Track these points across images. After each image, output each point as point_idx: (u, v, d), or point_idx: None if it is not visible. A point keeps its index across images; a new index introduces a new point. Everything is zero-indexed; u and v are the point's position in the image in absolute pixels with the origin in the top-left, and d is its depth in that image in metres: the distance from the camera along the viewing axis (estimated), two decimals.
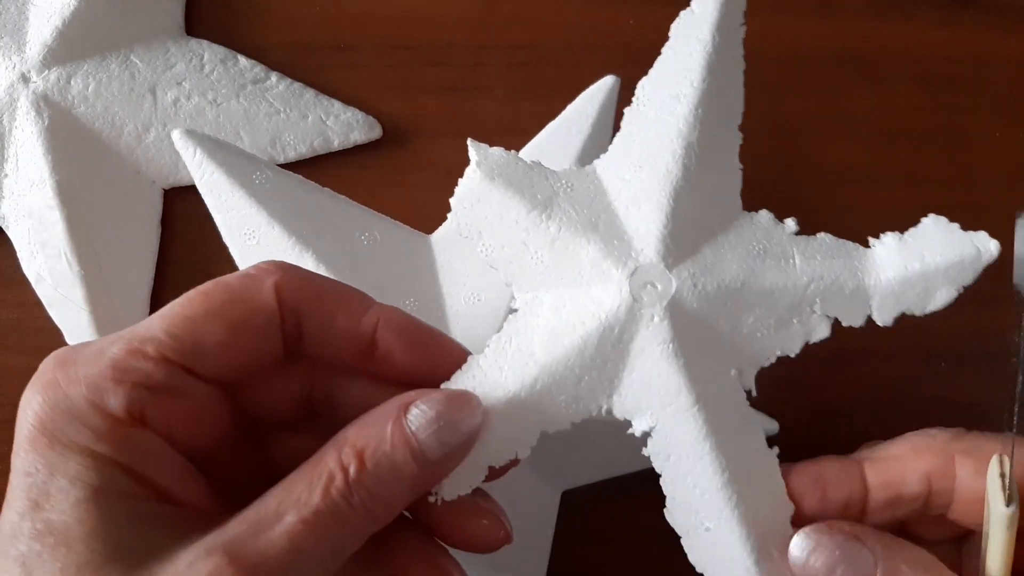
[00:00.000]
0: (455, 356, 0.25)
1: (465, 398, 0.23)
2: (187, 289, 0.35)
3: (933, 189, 0.36)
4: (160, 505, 0.21)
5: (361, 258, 0.29)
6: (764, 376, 0.35)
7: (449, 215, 0.31)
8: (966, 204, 0.37)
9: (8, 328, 0.35)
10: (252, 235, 0.29)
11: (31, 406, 0.21)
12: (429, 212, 0.32)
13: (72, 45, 0.34)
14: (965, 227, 0.36)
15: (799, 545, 0.25)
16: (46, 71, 0.33)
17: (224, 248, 0.36)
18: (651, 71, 0.29)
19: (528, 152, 0.30)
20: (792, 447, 0.35)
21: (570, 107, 0.30)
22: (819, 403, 0.35)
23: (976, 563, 0.26)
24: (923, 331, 0.35)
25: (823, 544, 0.25)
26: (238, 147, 0.30)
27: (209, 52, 0.35)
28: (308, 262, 0.28)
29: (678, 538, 0.34)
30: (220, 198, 0.29)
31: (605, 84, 0.30)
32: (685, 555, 0.34)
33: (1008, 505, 0.24)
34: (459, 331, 0.28)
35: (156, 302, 0.35)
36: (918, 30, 0.37)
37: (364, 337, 0.24)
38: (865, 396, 0.35)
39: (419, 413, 0.22)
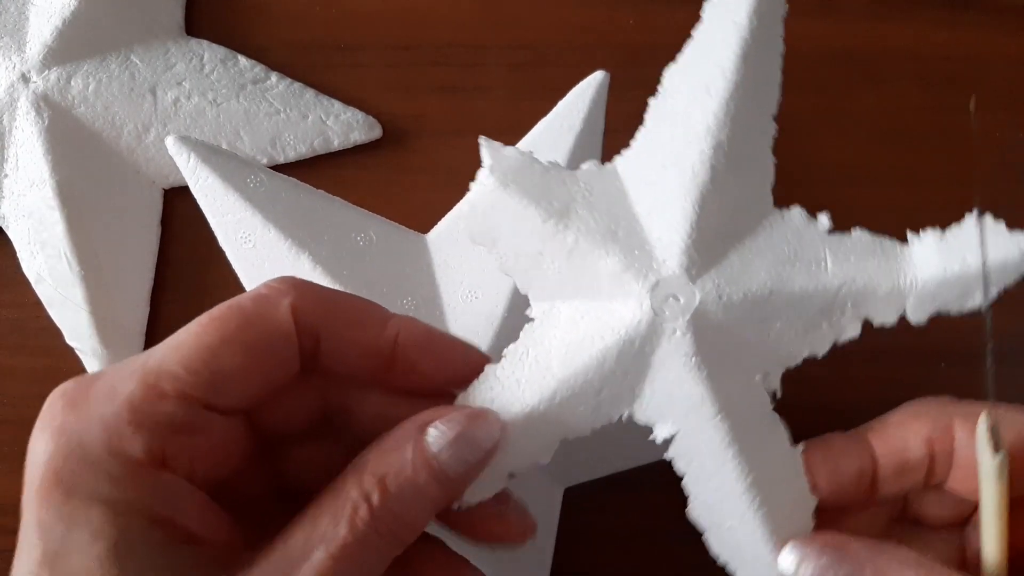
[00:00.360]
0: (473, 364, 0.24)
1: (483, 416, 0.23)
2: (187, 289, 0.35)
3: (933, 189, 0.36)
4: (183, 547, 0.21)
5: (358, 259, 0.29)
6: None
7: (447, 215, 0.31)
8: (966, 204, 0.36)
9: (8, 328, 0.35)
10: (248, 239, 0.28)
11: (43, 452, 0.20)
12: (429, 211, 0.32)
13: (72, 45, 0.34)
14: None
15: (786, 560, 0.25)
16: (46, 71, 0.33)
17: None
18: (680, 57, 0.28)
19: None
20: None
21: (561, 103, 0.30)
22: (819, 403, 0.35)
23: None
24: (923, 331, 0.35)
25: (808, 556, 0.25)
26: (232, 152, 0.30)
27: (209, 52, 0.35)
28: (304, 264, 0.28)
29: (680, 537, 0.34)
30: (215, 203, 0.29)
31: (595, 79, 0.30)
32: (687, 554, 0.34)
33: (996, 452, 0.24)
34: (457, 328, 0.28)
35: (156, 302, 0.35)
36: (918, 30, 0.37)
37: (383, 352, 0.23)
38: (865, 396, 0.35)
39: (438, 434, 0.22)
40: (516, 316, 0.28)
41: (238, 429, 0.23)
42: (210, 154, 0.29)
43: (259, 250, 0.28)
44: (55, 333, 0.34)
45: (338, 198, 0.30)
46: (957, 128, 0.37)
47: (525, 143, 0.30)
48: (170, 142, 0.29)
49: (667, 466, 0.33)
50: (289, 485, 0.23)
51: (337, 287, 0.28)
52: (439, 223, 0.31)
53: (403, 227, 0.31)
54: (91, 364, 0.34)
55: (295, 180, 0.30)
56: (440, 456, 0.22)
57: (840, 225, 0.36)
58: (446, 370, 0.24)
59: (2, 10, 0.34)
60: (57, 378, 0.35)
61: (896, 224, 0.36)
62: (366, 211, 0.30)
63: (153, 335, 0.35)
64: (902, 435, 0.26)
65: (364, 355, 0.23)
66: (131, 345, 0.34)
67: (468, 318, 0.28)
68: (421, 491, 0.22)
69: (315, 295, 0.23)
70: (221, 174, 0.28)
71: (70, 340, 0.34)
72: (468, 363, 0.24)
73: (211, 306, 0.35)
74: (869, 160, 0.37)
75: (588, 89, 0.30)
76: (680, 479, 0.35)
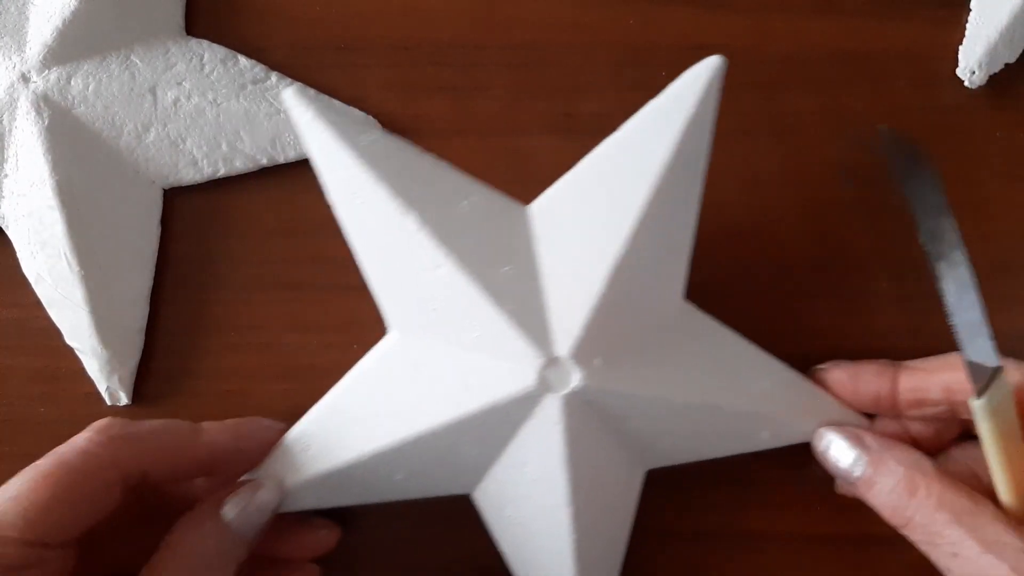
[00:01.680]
0: (271, 442, 0.30)
1: (261, 485, 0.29)
2: (187, 289, 0.36)
3: None
4: None
5: (462, 223, 0.29)
6: None
7: (549, 188, 0.31)
8: (966, 204, 0.37)
9: (8, 328, 0.35)
10: (357, 195, 0.29)
11: None
12: None
13: (72, 45, 0.34)
14: (965, 226, 0.36)
15: (818, 435, 0.31)
16: (46, 71, 0.33)
17: (224, 248, 0.36)
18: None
19: (627, 132, 0.30)
20: (793, 445, 0.34)
21: (673, 85, 0.30)
22: None
23: None
24: (923, 331, 0.35)
25: (823, 430, 0.31)
26: (346, 107, 0.30)
27: (209, 52, 0.35)
28: (410, 224, 0.28)
29: (681, 537, 0.34)
30: (328, 158, 0.29)
31: (711, 63, 0.29)
32: (688, 554, 0.34)
33: (978, 397, 0.28)
34: (554, 301, 0.28)
35: (156, 302, 0.35)
36: (918, 30, 0.37)
37: (203, 464, 0.29)
38: None
39: (230, 507, 0.28)
40: (615, 294, 0.28)
41: (77, 546, 0.27)
42: (327, 108, 0.29)
43: (368, 207, 0.29)
44: (55, 333, 0.34)
45: (445, 162, 0.30)
46: (957, 128, 0.37)
47: (632, 123, 0.30)
48: (288, 94, 0.29)
49: (667, 467, 0.33)
50: (124, 564, 0.28)
51: (441, 250, 0.28)
52: (541, 196, 0.31)
53: (506, 196, 0.31)
54: (91, 364, 0.34)
55: (407, 141, 0.30)
56: (234, 524, 0.28)
57: (840, 225, 0.36)
58: (253, 458, 0.30)
59: (2, 10, 0.34)
60: (57, 378, 0.35)
61: (896, 224, 0.36)
62: (471, 177, 0.31)
63: (153, 335, 0.35)
64: (926, 379, 0.31)
65: (186, 472, 0.29)
66: (131, 345, 0.34)
67: (565, 292, 0.28)
68: (223, 555, 0.27)
69: (134, 443, 0.27)
70: (336, 129, 0.29)
71: (70, 340, 0.34)
72: (268, 443, 0.30)
73: (211, 306, 0.36)
74: (869, 160, 0.37)
75: (704, 72, 0.29)
76: (682, 480, 0.35)
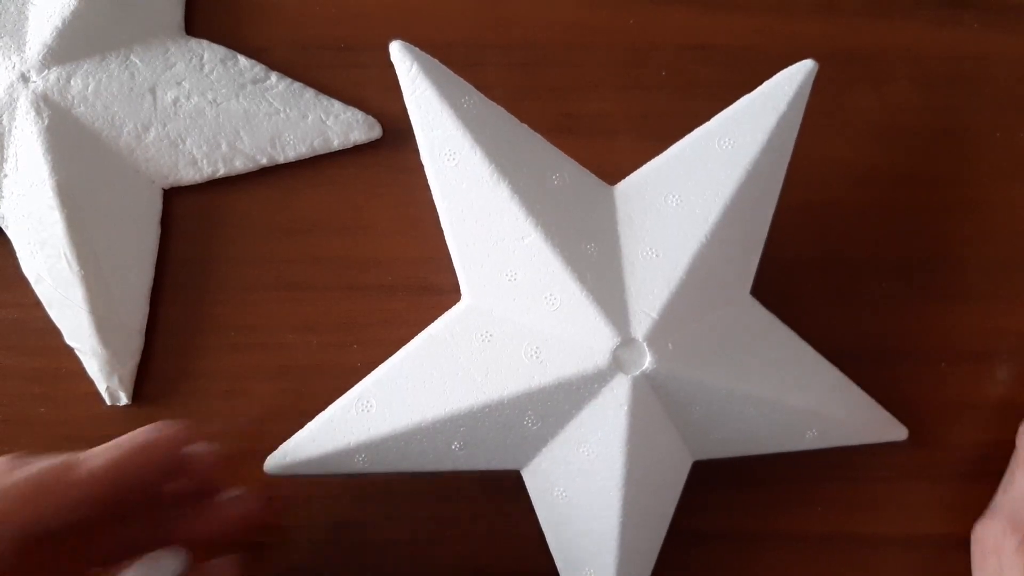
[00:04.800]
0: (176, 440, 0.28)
1: (161, 554, 0.27)
2: (187, 289, 0.36)
3: (933, 189, 0.36)
4: None
5: (550, 197, 0.29)
6: None
7: (636, 171, 0.31)
8: (966, 204, 0.37)
9: (8, 328, 0.35)
10: (452, 156, 0.29)
11: None
12: (429, 212, 0.32)
13: (72, 45, 0.34)
14: (965, 226, 0.36)
15: None
16: (46, 71, 0.33)
17: (224, 248, 0.36)
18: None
19: (718, 123, 0.30)
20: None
21: (767, 84, 0.30)
22: None
23: None
24: (923, 331, 0.35)
25: None
26: (449, 70, 0.30)
27: (209, 52, 0.35)
28: (503, 192, 0.28)
29: (684, 537, 0.34)
30: (427, 116, 0.29)
31: (805, 67, 0.30)
32: (690, 554, 0.34)
33: None
34: (633, 283, 0.29)
35: (156, 302, 0.35)
36: (918, 30, 0.37)
37: (95, 502, 0.26)
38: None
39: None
40: (694, 281, 0.28)
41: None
42: (431, 67, 0.29)
43: (461, 169, 0.29)
44: (55, 333, 0.34)
45: (537, 134, 0.31)
46: (957, 128, 0.37)
47: (724, 116, 0.30)
48: (395, 48, 0.29)
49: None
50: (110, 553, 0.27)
51: (530, 221, 0.28)
52: (627, 177, 0.31)
53: (593, 175, 0.31)
54: (90, 364, 0.34)
55: (503, 109, 0.30)
56: None
57: (840, 224, 0.36)
58: (157, 470, 0.28)
59: (2, 10, 0.34)
60: (57, 378, 0.35)
61: (896, 224, 0.36)
62: (560, 151, 0.31)
63: (152, 335, 0.35)
64: None
65: (86, 512, 0.26)
66: (131, 345, 0.34)
67: (645, 275, 0.29)
68: None
69: (8, 502, 0.25)
70: (438, 88, 0.29)
71: (70, 340, 0.34)
72: (174, 443, 0.28)
73: (211, 306, 0.36)
74: (869, 160, 0.37)
75: (797, 74, 0.30)
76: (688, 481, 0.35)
